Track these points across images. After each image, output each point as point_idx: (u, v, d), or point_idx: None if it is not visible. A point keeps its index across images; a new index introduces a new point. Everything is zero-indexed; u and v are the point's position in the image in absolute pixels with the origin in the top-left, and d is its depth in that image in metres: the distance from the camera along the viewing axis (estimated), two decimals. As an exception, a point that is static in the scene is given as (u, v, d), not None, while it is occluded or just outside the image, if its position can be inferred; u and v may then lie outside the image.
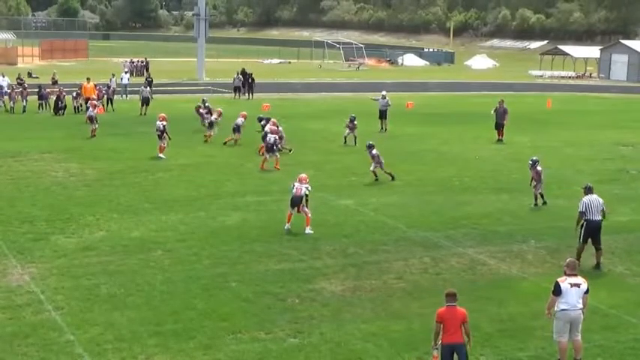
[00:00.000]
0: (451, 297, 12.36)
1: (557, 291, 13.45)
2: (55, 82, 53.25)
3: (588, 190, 19.14)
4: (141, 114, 46.90)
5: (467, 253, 20.68)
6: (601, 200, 18.96)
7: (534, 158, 25.83)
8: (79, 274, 18.13)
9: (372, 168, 28.96)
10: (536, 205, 25.35)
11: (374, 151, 28.88)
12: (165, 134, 32.92)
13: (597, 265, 18.89)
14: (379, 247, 20.81)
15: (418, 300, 17.04)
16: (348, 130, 37.53)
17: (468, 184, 28.41)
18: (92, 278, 17.84)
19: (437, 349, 12.26)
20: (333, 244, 21.05)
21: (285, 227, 21.99)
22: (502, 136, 40.77)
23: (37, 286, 17.26)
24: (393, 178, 28.83)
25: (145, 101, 48.81)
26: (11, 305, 16.08)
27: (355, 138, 37.12)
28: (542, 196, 25.51)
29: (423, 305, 16.61)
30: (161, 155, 32.69)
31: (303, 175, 22.67)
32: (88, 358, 13.74)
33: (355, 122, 37.59)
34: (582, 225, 18.78)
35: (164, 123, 32.95)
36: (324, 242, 21.21)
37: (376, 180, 28.65)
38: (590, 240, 18.87)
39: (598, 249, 18.85)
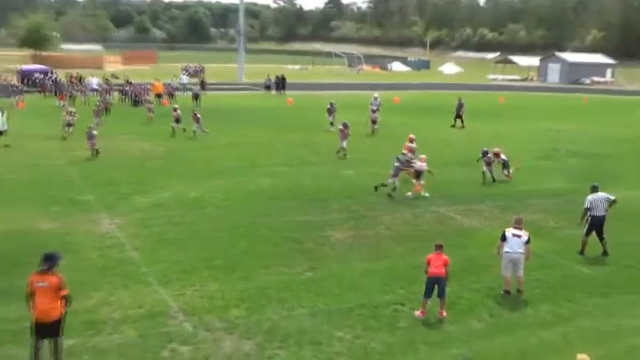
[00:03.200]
0: (438, 247, 12.88)
1: (503, 237, 14.00)
2: (128, 82, 53.04)
3: (594, 189, 16.88)
4: (193, 107, 46.07)
5: (439, 210, 20.70)
6: (605, 196, 16.76)
7: (486, 149, 24.78)
8: (152, 224, 18.28)
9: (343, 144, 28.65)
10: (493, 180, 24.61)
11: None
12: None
13: (604, 253, 16.67)
14: (373, 206, 20.84)
15: (401, 245, 17.13)
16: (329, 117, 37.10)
17: (442, 160, 28.29)
18: (161, 227, 17.99)
19: None
20: (339, 203, 21.09)
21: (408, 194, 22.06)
22: (462, 123, 40.70)
23: (120, 232, 17.43)
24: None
25: (195, 97, 48.17)
26: (102, 246, 16.26)
27: (332, 123, 36.27)
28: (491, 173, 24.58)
29: (405, 249, 16.78)
30: None
31: (424, 156, 22.80)
32: (157, 285, 13.91)
33: (335, 106, 37.46)
34: (587, 220, 16.69)
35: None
36: (332, 201, 21.24)
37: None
38: (594, 232, 16.76)
39: (602, 239, 16.66)
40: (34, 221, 18.03)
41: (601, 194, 16.76)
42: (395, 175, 21.87)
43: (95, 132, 27.45)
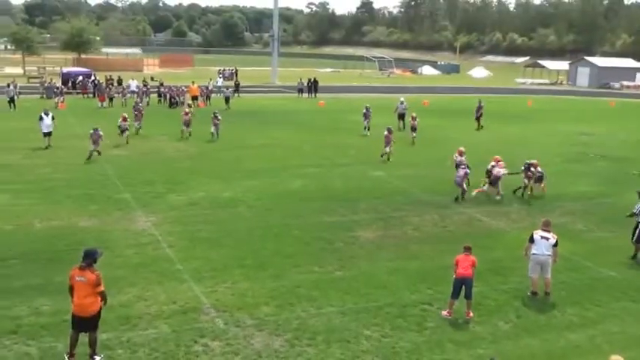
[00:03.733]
0: (467, 249, 12.87)
1: (531, 239, 13.84)
2: (161, 84, 53.19)
3: None
4: (226, 109, 46.24)
5: (466, 212, 20.53)
6: None
7: (528, 162, 22.63)
8: (186, 222, 18.42)
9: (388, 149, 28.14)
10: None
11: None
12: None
13: (634, 256, 16.38)
14: (401, 206, 20.72)
15: (429, 245, 17.05)
16: (365, 120, 36.13)
17: (470, 161, 27.99)
18: (195, 225, 18.11)
19: None
20: (368, 204, 21.04)
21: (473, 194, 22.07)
22: (479, 125, 40.74)
23: (155, 230, 17.59)
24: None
25: (226, 100, 48.20)
26: (137, 244, 16.42)
27: (368, 127, 35.70)
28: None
29: (433, 249, 16.67)
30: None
31: (498, 157, 22.70)
32: (192, 282, 14.00)
33: (370, 111, 36.62)
34: (636, 226, 16.37)
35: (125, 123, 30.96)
36: (361, 202, 21.19)
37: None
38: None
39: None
40: (74, 219, 18.30)
41: None
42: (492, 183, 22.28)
43: (101, 133, 27.06)
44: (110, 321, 11.96)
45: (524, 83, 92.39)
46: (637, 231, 16.40)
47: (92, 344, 10.46)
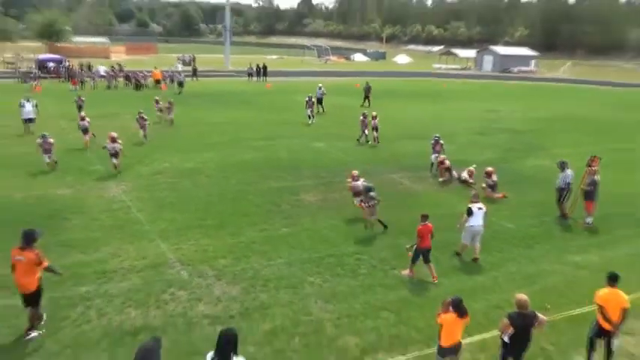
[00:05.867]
0: (424, 217, 12.10)
1: (470, 212, 13.18)
2: (121, 70, 51.53)
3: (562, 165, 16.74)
4: (179, 92, 43.29)
5: (392, 177, 20.78)
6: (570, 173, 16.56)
7: (437, 136, 21.78)
8: (153, 189, 18.12)
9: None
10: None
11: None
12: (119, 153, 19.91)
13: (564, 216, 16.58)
14: (341, 173, 20.71)
15: (362, 206, 17.22)
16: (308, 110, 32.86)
17: (395, 135, 28.39)
18: (161, 192, 17.84)
19: (410, 250, 12.33)
20: (310, 171, 21.08)
21: None
22: (369, 103, 40.07)
23: (126, 196, 17.25)
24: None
25: (179, 84, 45.17)
26: (110, 209, 16.08)
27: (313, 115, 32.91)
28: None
29: (365, 209, 16.86)
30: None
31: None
32: (159, 240, 13.85)
33: (313, 99, 33.22)
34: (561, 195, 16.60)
35: (119, 145, 19.83)
36: (305, 170, 21.24)
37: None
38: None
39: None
40: (52, 189, 17.73)
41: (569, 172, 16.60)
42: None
43: (88, 124, 23.85)
44: (88, 275, 11.76)
45: (439, 68, 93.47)
46: (561, 198, 16.67)
47: (31, 319, 9.63)
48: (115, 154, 19.81)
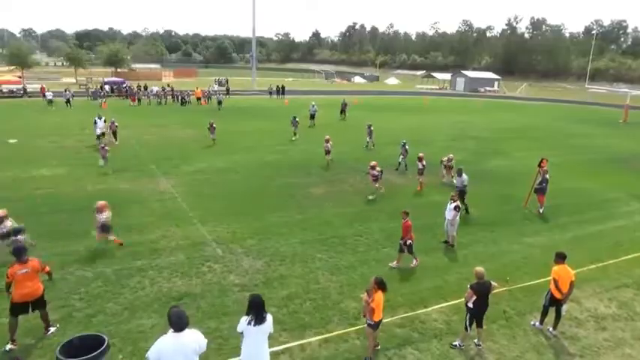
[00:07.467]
0: (405, 214, 11.39)
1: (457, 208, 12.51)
2: (172, 89, 50.96)
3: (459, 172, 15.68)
4: (219, 109, 42.60)
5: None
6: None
7: (404, 141, 21.23)
8: (194, 183, 18.07)
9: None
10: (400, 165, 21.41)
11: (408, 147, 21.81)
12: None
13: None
14: (339, 172, 20.71)
15: (359, 196, 17.07)
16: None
17: (384, 141, 28.16)
18: (200, 186, 17.79)
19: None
20: (317, 170, 20.97)
21: None
22: (345, 116, 38.74)
23: (173, 189, 17.22)
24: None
25: (219, 102, 44.36)
26: (161, 199, 16.06)
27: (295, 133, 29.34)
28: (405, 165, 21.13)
29: (362, 199, 16.74)
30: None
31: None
32: (199, 224, 13.80)
33: (297, 119, 29.80)
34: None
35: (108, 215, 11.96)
36: (312, 169, 21.12)
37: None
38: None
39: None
40: (115, 184, 17.77)
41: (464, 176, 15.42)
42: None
43: (108, 148, 20.80)
44: (143, 252, 11.76)
45: (421, 88, 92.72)
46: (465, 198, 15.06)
47: (45, 319, 8.58)
48: (103, 227, 11.64)
